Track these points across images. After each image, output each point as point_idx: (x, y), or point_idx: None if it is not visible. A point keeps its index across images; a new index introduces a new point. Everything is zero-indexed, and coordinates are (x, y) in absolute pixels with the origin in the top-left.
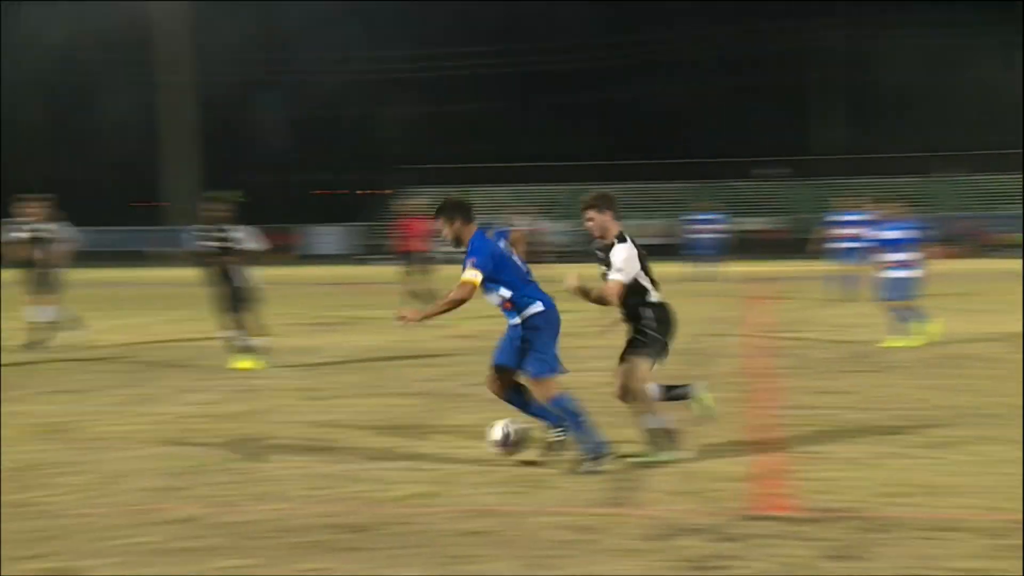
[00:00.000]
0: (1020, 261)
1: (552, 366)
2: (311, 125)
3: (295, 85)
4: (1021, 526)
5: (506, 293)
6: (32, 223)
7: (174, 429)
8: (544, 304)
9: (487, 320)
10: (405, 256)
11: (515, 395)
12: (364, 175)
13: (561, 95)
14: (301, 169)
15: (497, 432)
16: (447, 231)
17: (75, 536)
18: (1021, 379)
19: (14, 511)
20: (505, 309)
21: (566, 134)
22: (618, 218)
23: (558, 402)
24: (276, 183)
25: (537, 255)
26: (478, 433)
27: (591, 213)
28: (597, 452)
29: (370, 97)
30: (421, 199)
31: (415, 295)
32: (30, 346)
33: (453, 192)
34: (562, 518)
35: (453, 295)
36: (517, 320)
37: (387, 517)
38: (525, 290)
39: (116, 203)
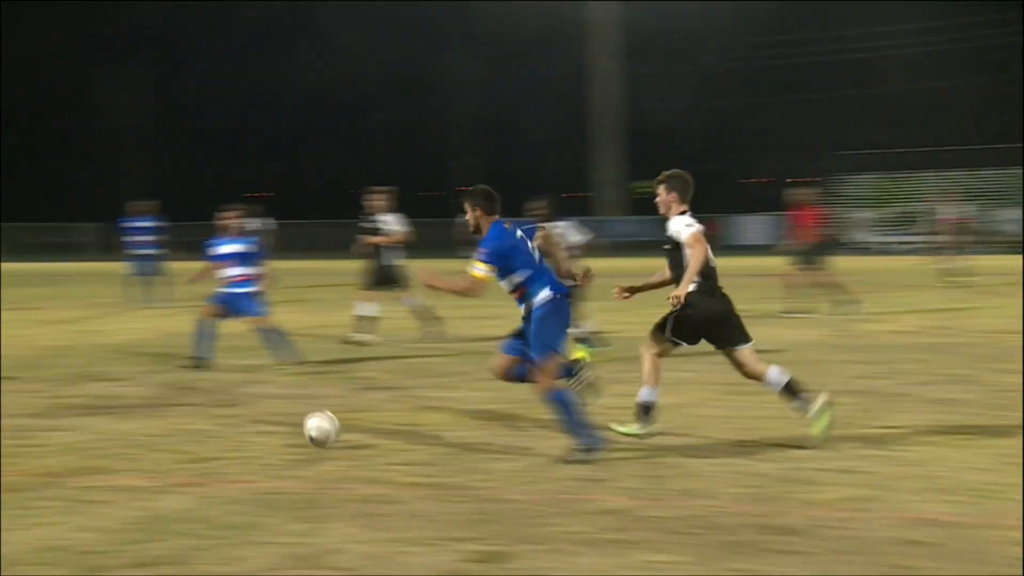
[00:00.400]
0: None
1: (553, 353)
2: (729, 113)
3: (714, 74)
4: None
5: (517, 280)
6: (375, 215)
7: (599, 421)
8: (553, 292)
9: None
10: (808, 247)
11: (517, 379)
12: (794, 163)
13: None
14: (719, 160)
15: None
16: (469, 216)
17: (508, 520)
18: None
19: (453, 493)
20: (515, 297)
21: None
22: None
23: (554, 396)
24: (698, 173)
25: (966, 244)
26: (914, 437)
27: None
28: (590, 446)
29: (804, 81)
30: (844, 187)
31: (819, 287)
32: (428, 335)
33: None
34: (1016, 533)
35: (458, 285)
36: (523, 308)
37: (820, 520)
38: (535, 278)
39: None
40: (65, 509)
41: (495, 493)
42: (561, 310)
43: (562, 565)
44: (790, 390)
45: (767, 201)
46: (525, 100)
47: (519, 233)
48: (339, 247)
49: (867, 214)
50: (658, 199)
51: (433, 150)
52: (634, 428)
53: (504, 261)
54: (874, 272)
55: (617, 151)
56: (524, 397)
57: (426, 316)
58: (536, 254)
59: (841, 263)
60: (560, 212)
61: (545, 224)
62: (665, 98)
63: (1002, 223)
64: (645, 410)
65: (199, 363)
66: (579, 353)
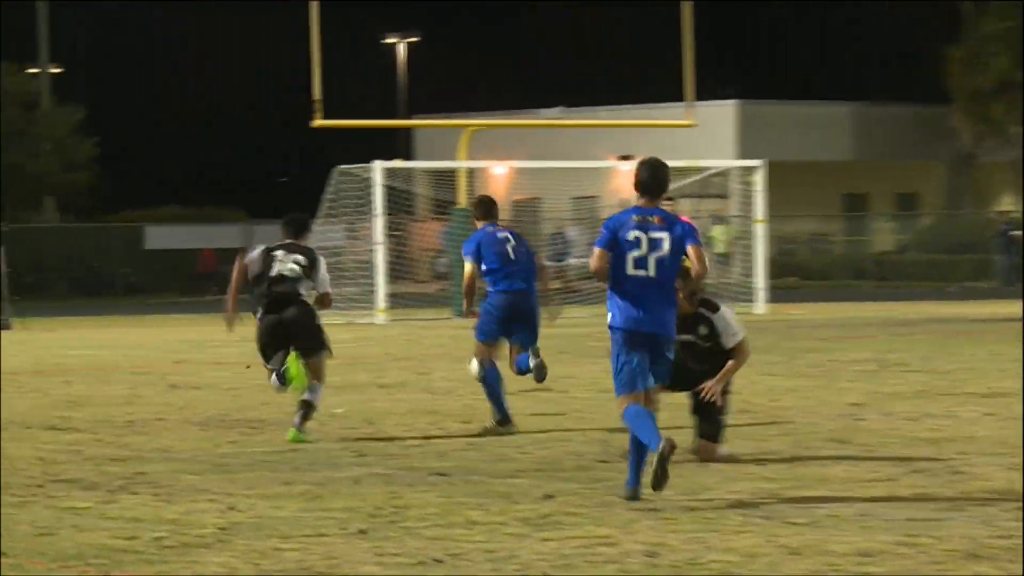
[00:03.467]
0: None
1: (483, 335)
2: None
3: None
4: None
5: (484, 274)
6: None
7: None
8: (500, 288)
9: None
10: None
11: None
12: None
13: None
14: None
15: None
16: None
17: None
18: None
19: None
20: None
21: None
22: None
23: (487, 371)
24: None
25: None
26: None
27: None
28: (503, 419)
29: None
30: None
31: None
32: None
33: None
34: None
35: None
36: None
37: None
38: (497, 275)
39: None
40: None
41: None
42: (498, 304)
43: None
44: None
45: None
46: None
47: (503, 235)
48: None
49: None
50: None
51: None
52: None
53: (475, 252)
54: None
55: None
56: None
57: None
58: (514, 255)
59: None
60: None
61: None
62: None
63: None
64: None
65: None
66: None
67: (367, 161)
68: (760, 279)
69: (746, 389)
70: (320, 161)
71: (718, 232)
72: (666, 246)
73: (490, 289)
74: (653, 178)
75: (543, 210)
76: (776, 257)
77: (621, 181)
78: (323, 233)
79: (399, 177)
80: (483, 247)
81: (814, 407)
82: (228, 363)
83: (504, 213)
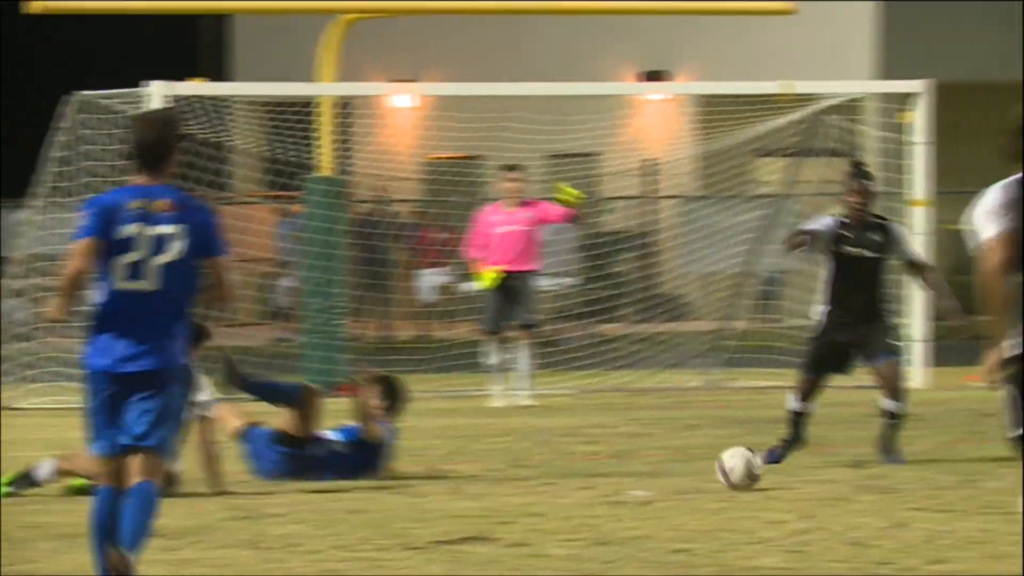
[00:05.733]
0: None
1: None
2: None
3: None
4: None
5: None
6: None
7: None
8: None
9: None
10: None
11: None
12: None
13: None
14: None
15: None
16: None
17: None
18: None
19: None
20: None
21: None
22: None
23: None
24: None
25: None
26: None
27: None
28: None
29: None
30: None
31: None
32: None
33: None
34: None
35: None
36: None
37: None
38: None
39: None
40: None
41: None
42: None
43: None
44: None
45: None
46: None
47: None
48: None
49: None
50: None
51: None
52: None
53: None
54: None
55: None
56: None
57: None
58: None
59: None
60: None
61: None
62: None
63: None
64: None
65: None
66: None
67: (134, 84)
68: (918, 320)
69: (885, 537)
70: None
71: None
72: (177, 246)
73: None
74: (146, 142)
75: (488, 180)
76: (953, 275)
77: (648, 122)
78: (42, 224)
79: (200, 115)
80: None
81: None
82: None
83: (403, 185)
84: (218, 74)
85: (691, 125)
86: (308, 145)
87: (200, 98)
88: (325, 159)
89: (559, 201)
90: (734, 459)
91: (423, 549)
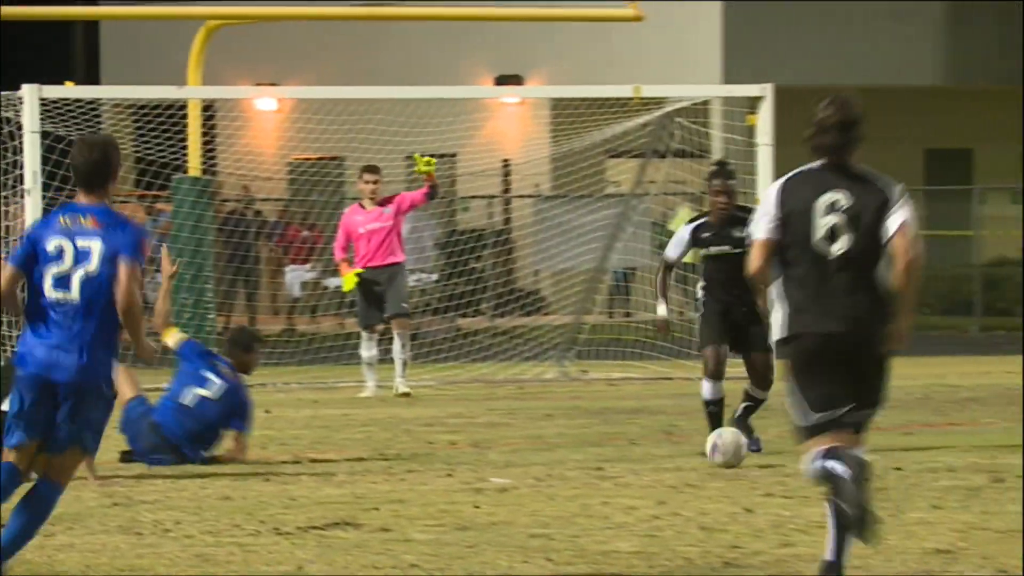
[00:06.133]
0: None
1: None
2: None
3: None
4: None
5: None
6: None
7: None
8: None
9: None
10: None
11: None
12: None
13: None
14: None
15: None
16: None
17: None
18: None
19: None
20: None
21: None
22: None
23: None
24: None
25: None
26: None
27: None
28: None
29: None
30: None
31: None
32: None
33: None
34: None
35: None
36: None
37: None
38: None
39: None
40: None
41: None
42: None
43: None
44: None
45: None
46: None
47: None
48: None
49: None
50: None
51: None
52: None
53: None
54: None
55: None
56: None
57: None
58: None
59: None
60: None
61: None
62: None
63: None
64: None
65: None
66: None
67: (9, 88)
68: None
69: (733, 522)
70: None
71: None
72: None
73: None
74: (87, 164)
75: (349, 179)
76: None
77: (503, 123)
78: None
79: (70, 116)
80: None
81: (862, 557)
82: None
83: (268, 184)
84: (90, 78)
85: (544, 127)
86: (175, 146)
87: (71, 101)
88: (192, 159)
89: (417, 172)
90: (725, 437)
91: (292, 534)
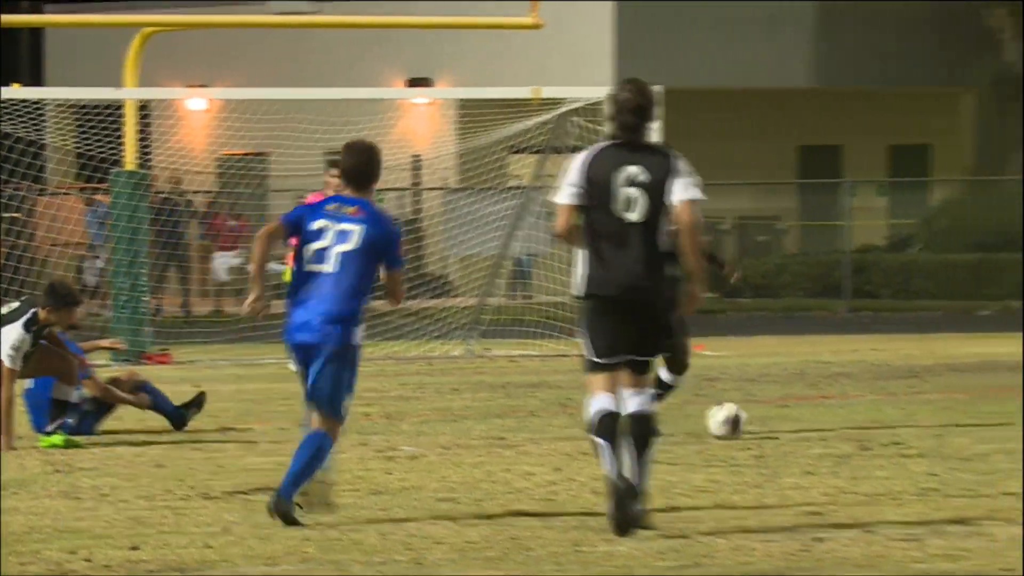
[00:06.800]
0: None
1: None
2: None
3: None
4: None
5: None
6: None
7: None
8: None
9: None
10: None
11: None
12: None
13: None
14: None
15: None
16: None
17: None
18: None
19: None
20: None
21: None
22: None
23: None
24: None
25: None
26: None
27: None
28: None
29: None
30: None
31: None
32: None
33: None
34: None
35: None
36: None
37: None
38: None
39: None
40: None
41: None
42: None
43: None
44: None
45: None
46: None
47: None
48: None
49: None
50: None
51: None
52: None
53: None
54: None
55: None
56: None
57: None
58: None
59: None
60: None
61: None
62: None
63: None
64: None
65: None
66: None
67: None
68: None
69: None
70: None
71: None
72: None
73: None
74: (355, 166)
75: (273, 174)
76: None
77: (413, 123)
78: None
79: (16, 115)
80: None
81: (740, 519)
82: None
83: (198, 178)
84: (35, 80)
85: (452, 125)
86: (113, 143)
87: (18, 101)
88: (129, 155)
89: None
90: (725, 412)
91: (220, 499)
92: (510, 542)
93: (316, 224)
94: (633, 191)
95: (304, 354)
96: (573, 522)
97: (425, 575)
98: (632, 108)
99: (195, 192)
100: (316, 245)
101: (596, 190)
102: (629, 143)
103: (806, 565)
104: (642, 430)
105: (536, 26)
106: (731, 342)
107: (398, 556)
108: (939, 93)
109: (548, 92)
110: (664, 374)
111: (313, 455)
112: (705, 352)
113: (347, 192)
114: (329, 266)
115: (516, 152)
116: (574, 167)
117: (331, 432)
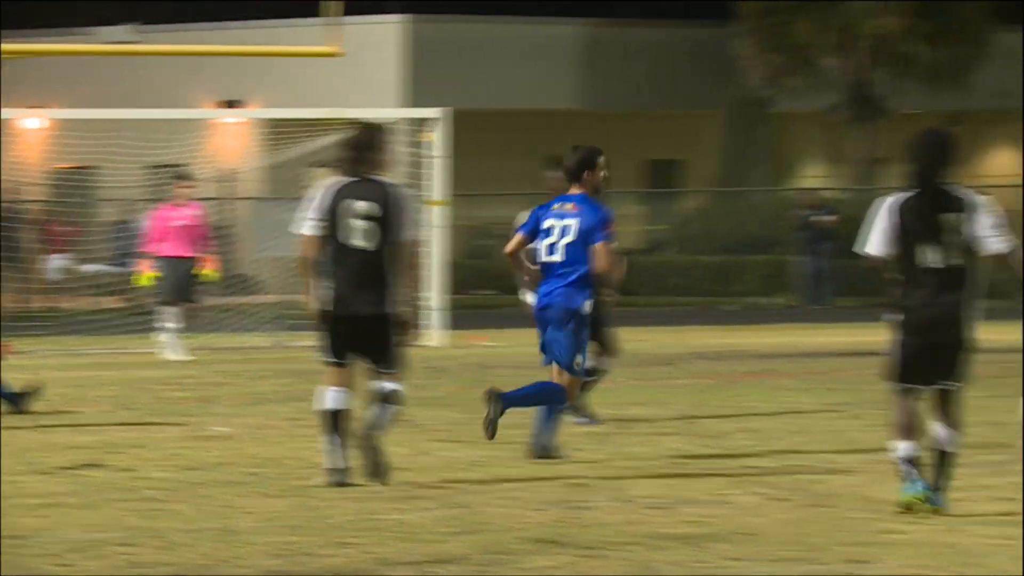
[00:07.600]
0: None
1: None
2: None
3: None
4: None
5: None
6: None
7: None
8: None
9: None
10: None
11: None
12: None
13: None
14: None
15: None
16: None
17: None
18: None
19: None
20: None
21: None
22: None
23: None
24: None
25: None
26: None
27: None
28: None
29: None
30: None
31: None
32: None
33: None
34: None
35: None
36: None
37: None
38: None
39: None
40: None
41: None
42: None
43: None
44: None
45: None
46: None
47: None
48: None
49: None
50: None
51: None
52: None
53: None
54: None
55: None
56: None
57: None
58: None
59: None
60: None
61: None
62: None
63: None
64: None
65: None
66: None
67: None
68: (436, 294)
69: (412, 463)
70: None
71: None
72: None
73: None
74: (570, 167)
75: (101, 185)
76: (462, 260)
77: (226, 140)
78: None
79: None
80: None
81: (515, 491)
82: None
83: (34, 188)
84: None
85: (260, 142)
86: None
87: None
88: None
89: None
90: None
91: (51, 474)
92: (312, 511)
93: (546, 224)
94: (359, 222)
95: (544, 322)
96: (368, 493)
97: (236, 541)
98: (356, 145)
99: (31, 201)
100: (547, 241)
101: (332, 222)
102: (359, 178)
103: (573, 531)
104: (386, 400)
105: (339, 55)
106: (509, 334)
107: (212, 524)
108: (690, 114)
109: (346, 113)
110: (596, 361)
111: (543, 393)
112: (481, 343)
113: (570, 189)
114: (558, 256)
115: (317, 166)
116: (313, 200)
117: (567, 386)
